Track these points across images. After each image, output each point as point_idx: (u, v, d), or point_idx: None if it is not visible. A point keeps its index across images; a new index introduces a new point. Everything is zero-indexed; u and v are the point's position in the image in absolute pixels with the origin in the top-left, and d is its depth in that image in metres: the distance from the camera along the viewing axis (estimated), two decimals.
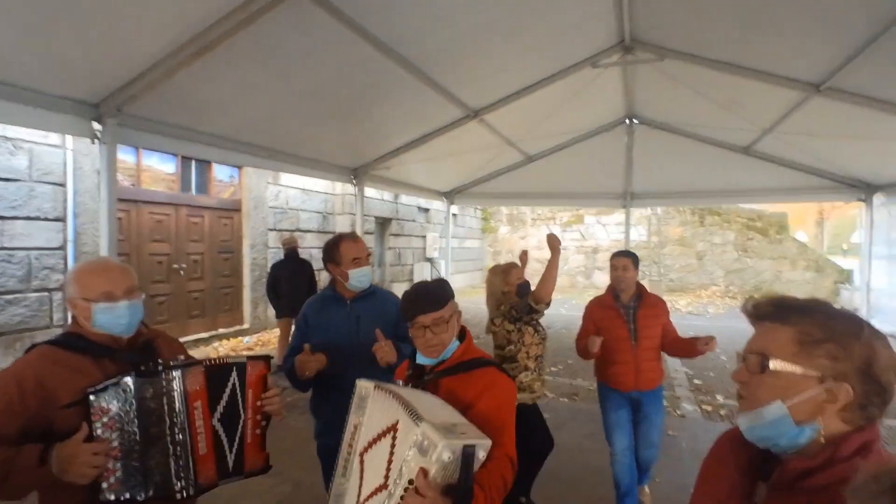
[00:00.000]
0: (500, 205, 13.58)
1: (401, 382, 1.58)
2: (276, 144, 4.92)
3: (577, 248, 16.10)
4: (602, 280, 15.48)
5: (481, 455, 1.24)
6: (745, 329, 0.91)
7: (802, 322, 0.86)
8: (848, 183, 6.85)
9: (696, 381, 5.61)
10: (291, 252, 7.77)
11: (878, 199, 6.28)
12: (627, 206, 10.37)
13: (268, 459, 1.73)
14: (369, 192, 10.78)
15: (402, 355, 2.19)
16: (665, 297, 11.98)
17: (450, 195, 10.04)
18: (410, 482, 1.21)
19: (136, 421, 1.44)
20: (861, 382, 0.81)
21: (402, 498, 1.22)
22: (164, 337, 1.77)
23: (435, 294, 1.66)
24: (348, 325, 2.43)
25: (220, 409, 1.60)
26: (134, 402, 1.44)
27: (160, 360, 1.53)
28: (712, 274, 14.53)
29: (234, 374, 1.65)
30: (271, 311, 8.92)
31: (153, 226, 8.51)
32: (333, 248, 2.47)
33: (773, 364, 0.84)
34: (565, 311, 11.04)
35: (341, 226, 10.44)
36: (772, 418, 0.83)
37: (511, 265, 3.61)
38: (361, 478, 1.40)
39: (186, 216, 9.11)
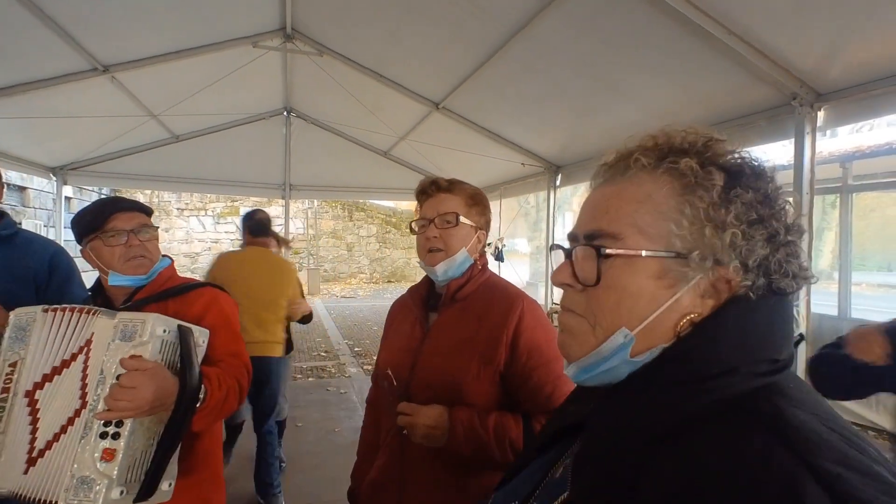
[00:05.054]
0: (136, 188, 11.46)
1: (40, 310, 1.17)
2: None
3: (232, 241, 15.23)
4: None
5: (202, 342, 1.11)
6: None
7: (464, 192, 1.30)
8: None
9: (357, 349, 6.36)
10: None
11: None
12: (287, 198, 10.53)
13: None
14: None
15: None
16: (321, 286, 12.71)
17: (61, 171, 7.81)
18: (118, 378, 1.01)
19: None
20: (486, 231, 1.34)
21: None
22: None
23: (134, 201, 1.37)
24: None
25: None
26: None
27: None
28: (359, 263, 16.39)
29: None
30: None
31: None
32: None
33: (461, 219, 1.26)
34: None
35: None
36: (461, 260, 1.27)
37: None
38: (35, 423, 1.07)
39: None
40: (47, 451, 1.05)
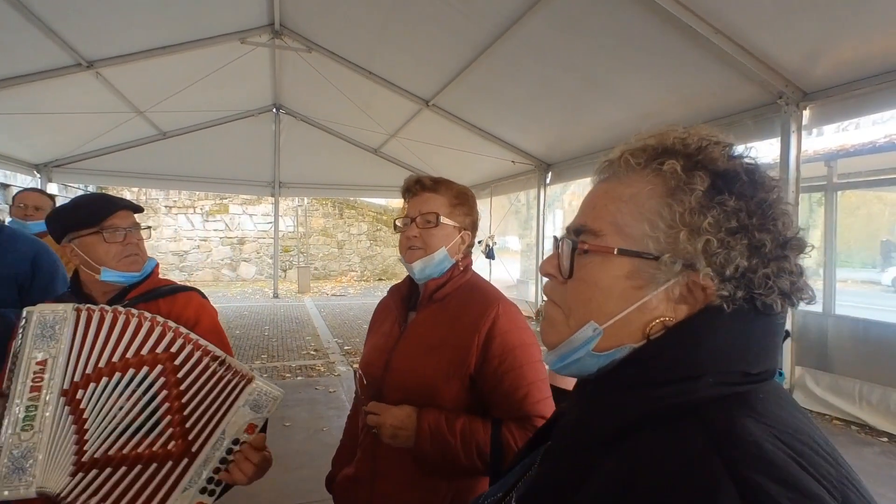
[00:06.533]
0: (123, 185, 11.34)
1: (70, 308, 1.11)
2: None
3: (221, 239, 15.08)
4: (248, 272, 15.05)
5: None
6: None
7: (449, 192, 1.25)
8: None
9: (346, 348, 6.33)
10: None
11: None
12: (276, 195, 10.46)
13: None
14: None
15: (7, 321, 1.60)
16: (312, 285, 12.57)
17: (46, 168, 7.70)
18: (235, 442, 1.05)
19: None
20: (472, 232, 1.29)
21: (222, 462, 1.05)
22: None
23: (128, 200, 1.38)
24: None
25: None
26: None
27: None
28: (350, 261, 16.31)
29: None
30: None
31: None
32: None
33: (442, 219, 1.21)
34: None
35: None
36: (439, 259, 1.22)
37: None
38: (80, 423, 1.05)
39: None
40: (113, 468, 1.03)
